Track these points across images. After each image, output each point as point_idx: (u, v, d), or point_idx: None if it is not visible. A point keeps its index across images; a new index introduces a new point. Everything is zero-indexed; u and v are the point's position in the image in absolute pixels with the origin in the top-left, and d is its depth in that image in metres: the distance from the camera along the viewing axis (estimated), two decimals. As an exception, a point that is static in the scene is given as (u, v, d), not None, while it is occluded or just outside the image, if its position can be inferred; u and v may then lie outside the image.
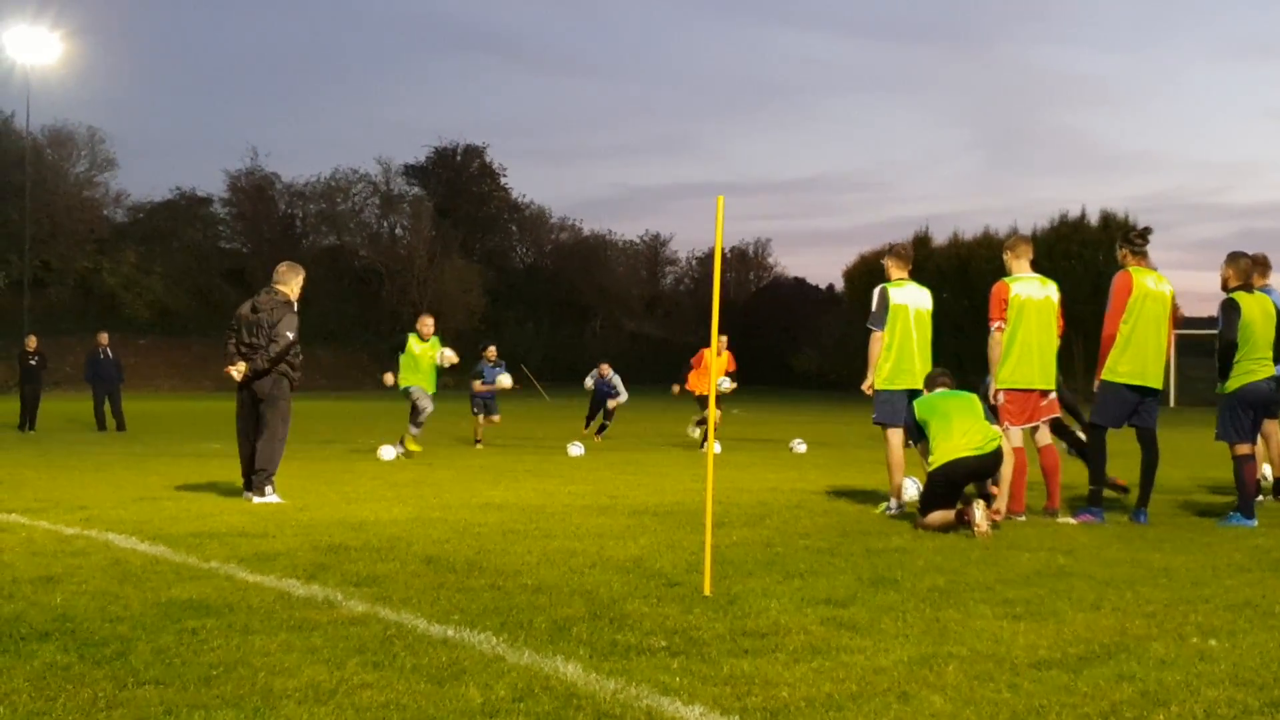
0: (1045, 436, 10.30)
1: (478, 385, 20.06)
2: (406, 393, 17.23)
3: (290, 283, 11.30)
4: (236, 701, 4.29)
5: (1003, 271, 10.39)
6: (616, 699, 4.36)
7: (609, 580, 6.75)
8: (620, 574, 6.97)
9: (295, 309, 11.22)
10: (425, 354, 17.43)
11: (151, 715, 4.13)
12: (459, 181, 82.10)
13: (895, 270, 10.85)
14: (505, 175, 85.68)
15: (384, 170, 79.45)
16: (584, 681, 4.60)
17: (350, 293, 74.80)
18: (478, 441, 19.71)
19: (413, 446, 16.90)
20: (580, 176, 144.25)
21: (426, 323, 17.89)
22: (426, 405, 16.95)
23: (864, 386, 10.72)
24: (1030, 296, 10.12)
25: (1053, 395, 10.26)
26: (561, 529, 8.95)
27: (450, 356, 17.47)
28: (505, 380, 19.72)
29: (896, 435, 10.40)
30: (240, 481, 11.06)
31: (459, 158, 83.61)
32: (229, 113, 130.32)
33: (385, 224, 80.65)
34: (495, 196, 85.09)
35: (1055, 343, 10.24)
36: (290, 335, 10.96)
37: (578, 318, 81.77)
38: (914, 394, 10.24)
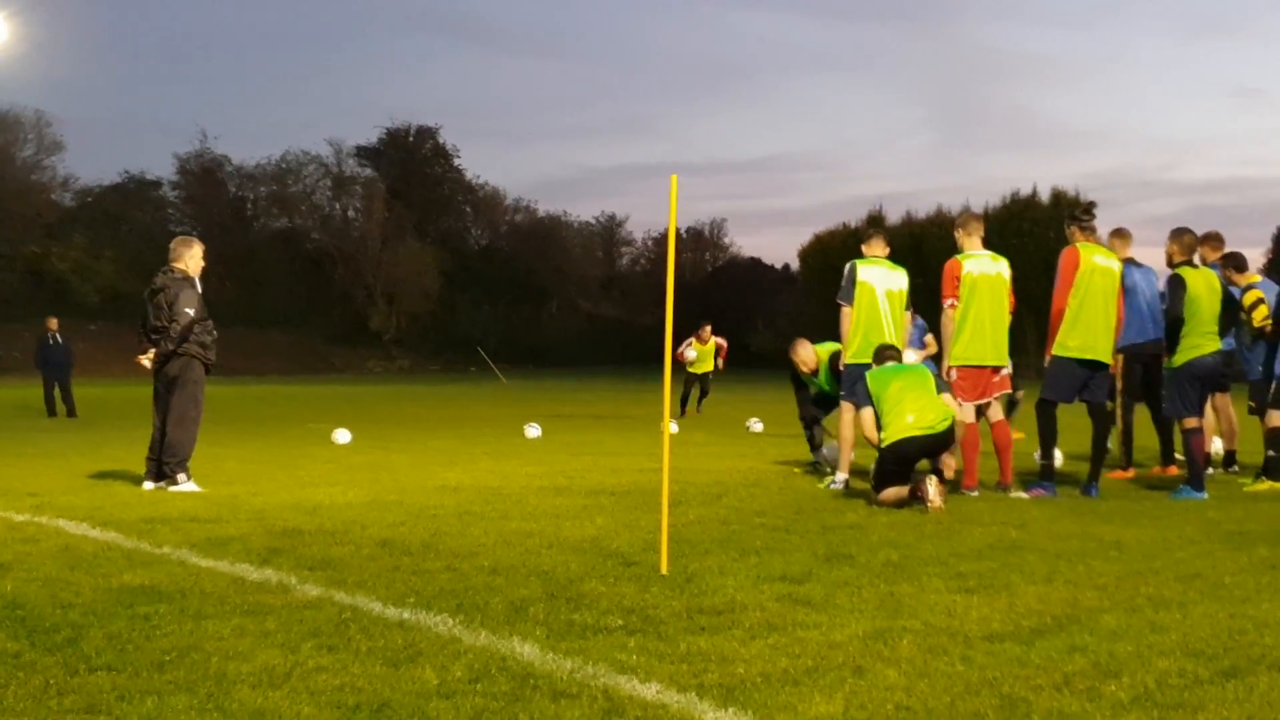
0: (997, 413, 10.37)
1: None
2: None
3: (186, 258, 10.78)
4: (190, 686, 4.26)
5: (955, 250, 10.44)
6: (573, 678, 4.37)
7: (565, 560, 6.76)
8: (577, 554, 6.97)
9: (196, 285, 10.71)
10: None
11: (103, 701, 4.10)
12: (412, 163, 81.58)
13: (870, 249, 10.84)
14: (459, 156, 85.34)
15: (335, 152, 78.96)
16: (541, 661, 4.60)
17: (302, 276, 74.31)
18: None
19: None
20: (535, 157, 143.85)
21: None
22: None
23: (840, 363, 10.77)
24: (983, 273, 10.18)
25: (1005, 372, 10.34)
26: (518, 510, 8.94)
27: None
28: None
29: (851, 412, 10.44)
30: (137, 471, 10.72)
31: (411, 139, 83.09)
32: (177, 95, 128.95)
33: (337, 206, 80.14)
34: (449, 178, 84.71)
35: (1007, 319, 10.30)
36: (190, 312, 10.47)
37: (534, 299, 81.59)
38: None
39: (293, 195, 78.63)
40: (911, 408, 9.35)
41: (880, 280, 10.62)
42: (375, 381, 53.90)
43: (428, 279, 73.09)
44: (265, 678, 4.38)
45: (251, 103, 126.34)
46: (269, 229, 78.45)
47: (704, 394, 22.32)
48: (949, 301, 10.12)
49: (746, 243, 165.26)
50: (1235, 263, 11.55)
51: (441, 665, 4.54)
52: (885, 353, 10.06)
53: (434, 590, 5.92)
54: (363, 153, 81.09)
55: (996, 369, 10.24)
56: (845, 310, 10.60)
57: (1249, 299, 11.09)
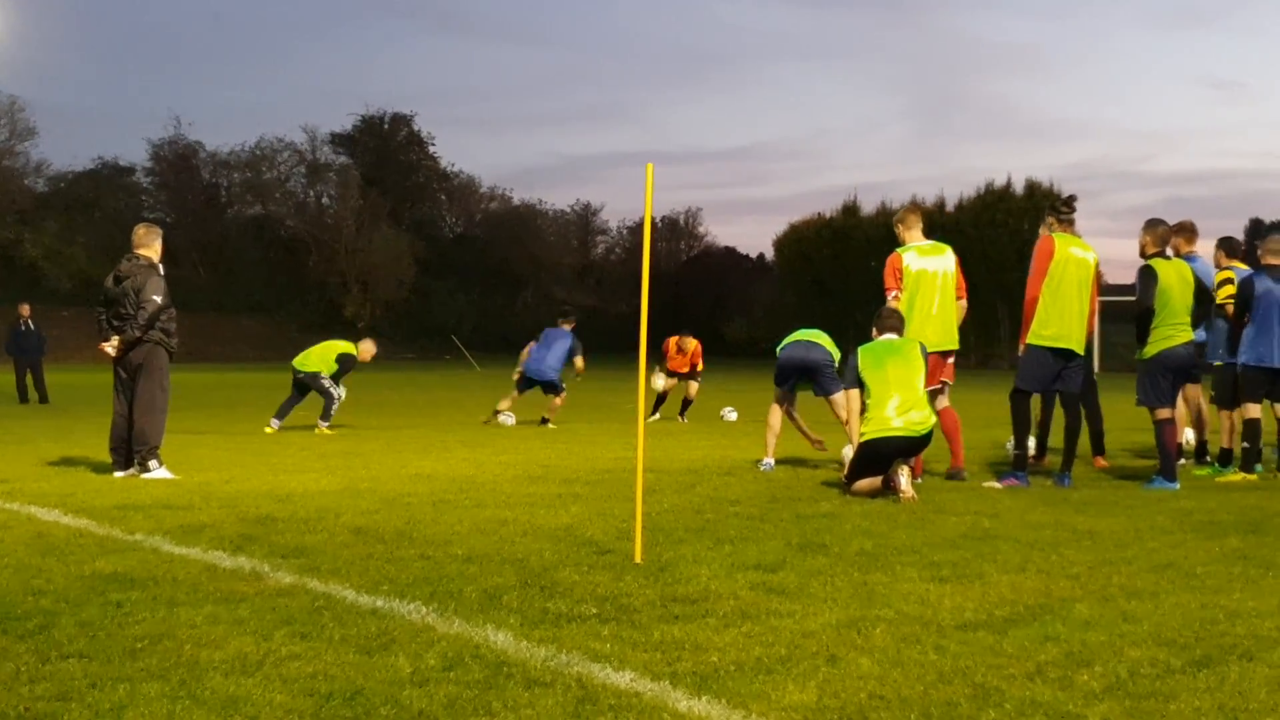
0: (942, 400, 10.50)
1: None
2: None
3: (150, 245, 10.72)
4: (162, 674, 4.24)
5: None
6: (547, 666, 4.37)
7: (540, 549, 6.75)
8: (551, 542, 6.97)
9: (160, 271, 10.66)
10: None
11: (75, 688, 4.07)
12: (387, 150, 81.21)
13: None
14: (434, 144, 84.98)
15: (310, 139, 78.50)
16: (514, 649, 4.60)
17: (276, 263, 73.94)
18: None
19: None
20: (510, 145, 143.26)
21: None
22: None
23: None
24: (924, 268, 10.43)
25: (950, 360, 10.51)
26: (492, 498, 8.92)
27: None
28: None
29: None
30: (108, 459, 10.66)
31: (386, 126, 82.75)
32: (151, 81, 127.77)
33: (312, 193, 79.70)
34: (424, 165, 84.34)
35: (954, 307, 10.54)
36: (158, 299, 10.41)
37: (509, 287, 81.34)
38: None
39: (267, 182, 78.14)
40: (897, 401, 9.36)
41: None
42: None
43: (402, 266, 72.79)
44: (238, 665, 4.36)
45: (226, 89, 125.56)
46: (243, 215, 77.94)
47: (689, 402, 20.39)
48: (893, 294, 10.38)
49: (722, 232, 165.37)
50: (1227, 246, 11.73)
51: (415, 653, 4.53)
52: (887, 321, 10.05)
53: (408, 578, 5.91)
54: (337, 140, 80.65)
55: (945, 355, 10.47)
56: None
57: (1220, 277, 11.23)
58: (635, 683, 4.19)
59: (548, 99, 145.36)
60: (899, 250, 10.56)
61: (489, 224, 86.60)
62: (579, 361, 17.71)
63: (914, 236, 10.65)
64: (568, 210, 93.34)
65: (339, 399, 16.03)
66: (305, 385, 16.20)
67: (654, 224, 6.95)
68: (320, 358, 16.29)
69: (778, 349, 11.68)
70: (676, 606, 5.32)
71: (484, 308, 76.89)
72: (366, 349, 16.99)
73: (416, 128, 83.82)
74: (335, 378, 16.09)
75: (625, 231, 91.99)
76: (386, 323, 72.85)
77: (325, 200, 78.81)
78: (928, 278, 10.39)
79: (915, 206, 11.22)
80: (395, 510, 8.25)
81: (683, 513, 8.21)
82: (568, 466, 11.29)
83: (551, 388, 17.35)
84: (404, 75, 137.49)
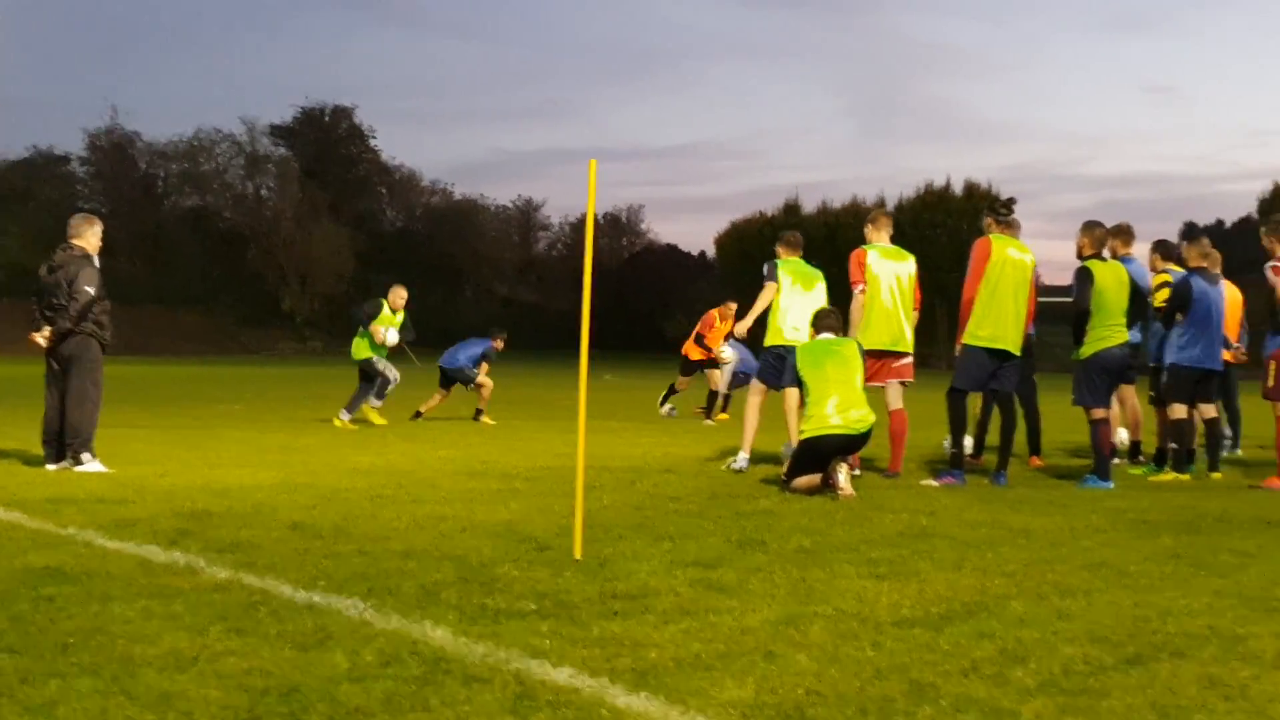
0: (895, 400, 10.59)
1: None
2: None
3: (86, 235, 10.53)
4: (95, 669, 4.18)
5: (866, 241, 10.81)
6: (485, 662, 4.35)
7: (479, 545, 6.73)
8: (490, 538, 6.95)
9: (95, 262, 10.48)
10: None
11: (6, 684, 4.00)
12: (327, 143, 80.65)
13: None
14: (375, 137, 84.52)
15: (249, 130, 77.75)
16: (453, 645, 4.57)
17: (214, 255, 73.16)
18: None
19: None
20: (453, 140, 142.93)
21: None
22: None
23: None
24: (886, 270, 10.59)
25: (905, 359, 10.62)
26: (431, 494, 8.88)
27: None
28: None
29: (757, 395, 10.84)
30: (40, 451, 10.47)
31: (327, 118, 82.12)
32: (88, 69, 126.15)
33: (250, 185, 78.94)
34: (365, 159, 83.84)
35: (911, 312, 10.77)
36: (90, 290, 10.25)
37: (449, 282, 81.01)
38: (788, 351, 10.57)
39: (205, 173, 77.37)
40: (836, 400, 9.41)
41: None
42: (287, 363, 53.26)
43: (341, 260, 72.28)
44: (172, 661, 4.31)
45: (164, 79, 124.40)
46: (180, 207, 77.16)
47: (716, 396, 18.51)
48: (859, 287, 10.52)
49: (664, 229, 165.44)
50: (1163, 250, 11.92)
51: (352, 649, 4.49)
52: (824, 320, 10.13)
53: (345, 574, 5.87)
54: (277, 131, 80.00)
55: (898, 355, 10.61)
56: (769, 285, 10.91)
57: (1157, 281, 11.42)
58: (574, 679, 4.18)
59: (491, 94, 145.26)
60: (865, 247, 10.70)
61: (430, 218, 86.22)
62: (484, 367, 17.48)
63: (882, 239, 10.83)
64: (510, 206, 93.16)
65: (393, 380, 16.18)
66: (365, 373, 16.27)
67: (597, 221, 6.95)
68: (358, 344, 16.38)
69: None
70: (616, 603, 5.32)
71: (424, 303, 76.35)
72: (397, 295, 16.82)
73: (358, 121, 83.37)
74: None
75: (567, 228, 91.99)
76: (325, 317, 72.30)
77: (264, 193, 78.14)
78: (889, 280, 10.57)
79: (887, 211, 11.46)
80: (333, 505, 8.19)
81: (623, 509, 8.22)
82: (507, 462, 11.25)
83: (460, 374, 17.32)
84: (346, 67, 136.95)
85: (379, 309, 16.32)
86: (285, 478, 9.74)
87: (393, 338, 16.25)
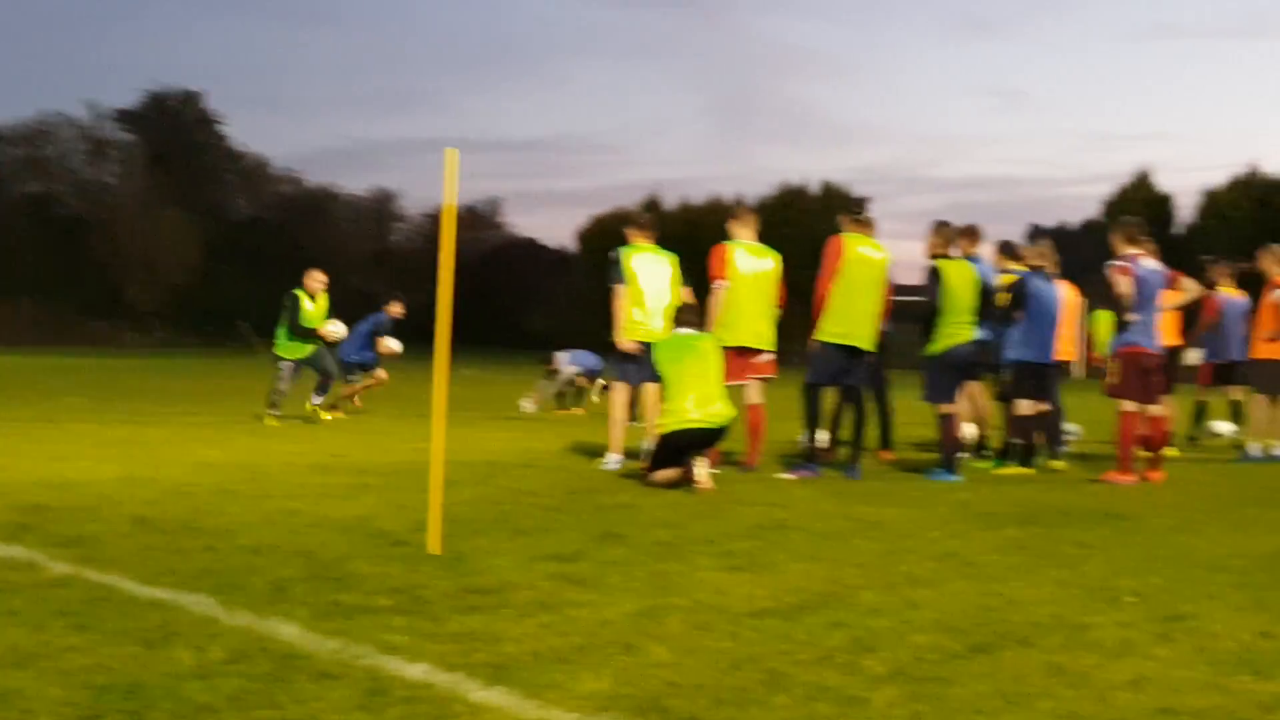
0: (754, 395, 10.69)
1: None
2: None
3: None
4: (-79, 671, 4.00)
5: (727, 237, 10.83)
6: (337, 658, 4.26)
7: (331, 540, 6.60)
8: (343, 534, 6.82)
9: None
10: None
11: None
12: (175, 129, 78.55)
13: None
14: (225, 123, 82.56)
15: (93, 114, 75.36)
16: (303, 641, 4.47)
17: (55, 244, 70.71)
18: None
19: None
20: (305, 127, 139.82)
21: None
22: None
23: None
24: (749, 268, 10.66)
25: (765, 356, 10.71)
26: (280, 489, 8.69)
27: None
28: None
29: (621, 393, 10.73)
30: None
31: (176, 104, 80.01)
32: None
33: (94, 172, 76.51)
34: (213, 145, 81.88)
35: (772, 309, 10.81)
36: None
37: (301, 273, 79.60)
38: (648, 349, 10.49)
39: (46, 159, 74.78)
40: (694, 395, 9.47)
41: (646, 267, 10.86)
42: (131, 354, 51.79)
43: (188, 250, 70.52)
44: (11, 658, 4.15)
45: (3, 60, 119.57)
46: (19, 193, 74.44)
47: None
48: (719, 282, 10.54)
49: (524, 223, 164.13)
50: (1006, 250, 12.20)
51: (198, 646, 4.36)
52: (683, 317, 10.14)
53: (191, 569, 5.71)
54: (123, 117, 77.65)
55: (757, 352, 10.70)
56: (618, 289, 10.69)
57: (1004, 281, 11.70)
58: (429, 674, 4.12)
59: (346, 81, 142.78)
60: (728, 243, 10.71)
61: (281, 207, 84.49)
62: (383, 341, 17.26)
63: (746, 235, 10.84)
64: (364, 195, 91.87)
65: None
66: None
67: (456, 213, 6.83)
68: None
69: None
70: (473, 598, 5.27)
71: (275, 293, 74.86)
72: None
73: (207, 106, 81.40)
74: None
75: (424, 219, 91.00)
76: (171, 307, 70.50)
77: (109, 179, 75.81)
78: (752, 276, 10.62)
79: (752, 208, 11.53)
80: (178, 500, 7.97)
81: (481, 504, 8.14)
82: (360, 457, 11.09)
83: (364, 365, 17.27)
84: (195, 51, 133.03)
85: (296, 302, 15.75)
86: (129, 471, 9.45)
87: (396, 345, 16.16)
